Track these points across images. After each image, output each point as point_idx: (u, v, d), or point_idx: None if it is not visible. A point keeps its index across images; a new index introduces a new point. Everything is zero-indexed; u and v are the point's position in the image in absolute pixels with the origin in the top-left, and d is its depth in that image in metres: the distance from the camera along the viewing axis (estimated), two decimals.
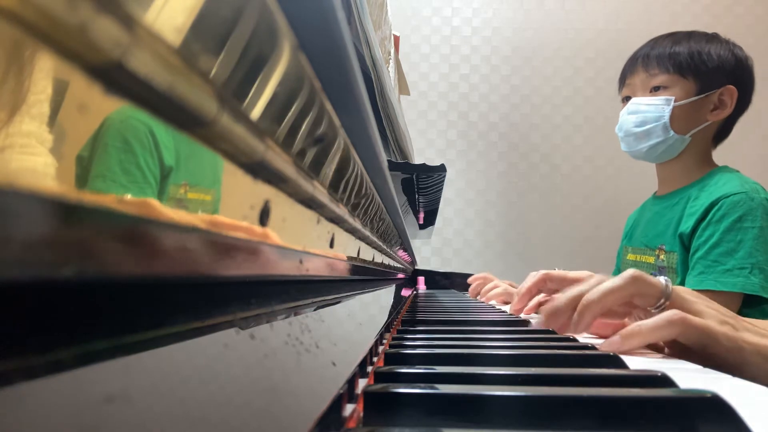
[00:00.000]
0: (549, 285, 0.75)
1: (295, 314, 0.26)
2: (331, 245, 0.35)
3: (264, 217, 0.21)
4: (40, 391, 0.09)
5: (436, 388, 0.25)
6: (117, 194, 0.12)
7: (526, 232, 2.09)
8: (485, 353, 0.38)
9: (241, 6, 0.15)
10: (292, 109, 0.21)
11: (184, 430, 0.13)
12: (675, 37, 1.20)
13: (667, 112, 1.16)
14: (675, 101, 1.16)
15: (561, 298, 0.56)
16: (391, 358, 0.37)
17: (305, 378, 0.22)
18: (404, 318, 0.69)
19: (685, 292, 0.53)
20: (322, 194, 0.28)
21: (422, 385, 0.26)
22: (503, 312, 0.85)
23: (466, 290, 1.42)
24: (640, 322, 0.47)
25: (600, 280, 0.55)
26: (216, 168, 0.17)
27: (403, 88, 1.32)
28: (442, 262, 2.07)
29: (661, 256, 1.18)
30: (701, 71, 1.16)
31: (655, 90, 1.19)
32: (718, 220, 1.08)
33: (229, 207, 0.18)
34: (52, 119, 0.09)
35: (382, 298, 0.68)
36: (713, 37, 1.19)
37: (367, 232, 0.49)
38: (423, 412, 0.24)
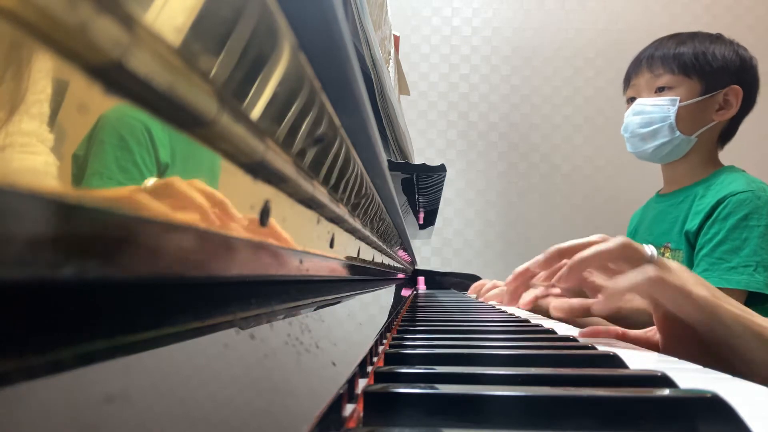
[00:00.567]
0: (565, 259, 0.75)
1: (295, 314, 0.26)
2: (331, 245, 0.35)
3: (264, 217, 0.21)
4: (40, 391, 0.09)
5: (436, 388, 0.25)
6: (115, 192, 0.12)
7: (526, 232, 2.09)
8: (485, 353, 0.38)
9: (241, 6, 0.15)
10: (292, 109, 0.21)
11: (184, 430, 0.13)
12: (679, 38, 1.20)
13: (672, 112, 1.16)
14: (680, 101, 1.16)
15: (564, 245, 0.60)
16: (391, 358, 0.37)
17: (305, 378, 0.22)
18: (404, 318, 0.69)
19: (670, 262, 0.56)
20: (322, 194, 0.28)
21: (422, 385, 0.26)
22: (503, 312, 0.85)
23: (466, 290, 1.42)
24: (619, 278, 0.50)
25: (601, 237, 0.58)
26: (213, 165, 0.17)
27: (403, 88, 1.32)
28: (442, 262, 2.07)
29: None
30: (706, 71, 1.16)
31: (660, 90, 1.19)
32: (724, 218, 1.08)
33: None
34: (52, 119, 0.09)
35: (382, 298, 0.68)
36: (717, 38, 1.19)
37: (367, 232, 0.49)
38: (423, 412, 0.24)
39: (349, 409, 0.24)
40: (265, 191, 0.21)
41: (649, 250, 0.55)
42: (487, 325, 0.61)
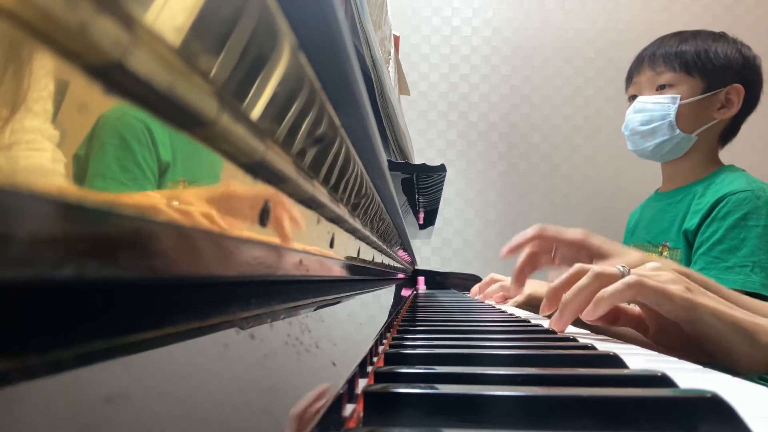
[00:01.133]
0: (543, 244, 0.84)
1: (295, 314, 0.26)
2: (331, 245, 0.35)
3: (264, 217, 0.21)
4: (40, 391, 0.09)
5: (436, 388, 0.25)
6: (117, 192, 0.12)
7: None
8: (485, 353, 0.38)
9: (241, 6, 0.15)
10: (292, 109, 0.21)
11: (184, 430, 0.13)
12: (681, 36, 1.20)
13: (673, 110, 1.16)
14: (681, 99, 1.16)
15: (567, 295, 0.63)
16: (391, 358, 0.37)
17: (305, 378, 0.22)
18: (404, 318, 0.69)
19: (645, 269, 0.60)
20: (322, 194, 0.28)
21: (422, 385, 0.26)
22: (503, 312, 0.85)
23: (466, 290, 1.42)
24: (603, 289, 0.55)
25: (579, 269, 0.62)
26: (214, 164, 0.17)
27: (403, 88, 1.32)
28: (442, 262, 2.07)
29: (665, 253, 1.19)
30: (708, 69, 1.15)
31: (662, 88, 1.19)
32: (722, 217, 1.08)
33: (229, 206, 0.18)
34: (52, 120, 0.09)
35: (382, 298, 0.68)
36: (720, 36, 1.19)
37: (367, 232, 0.49)
38: (423, 412, 0.24)
39: (349, 409, 0.24)
40: (265, 191, 0.21)
41: (619, 268, 0.59)
42: (487, 325, 0.61)
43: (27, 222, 0.09)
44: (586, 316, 0.56)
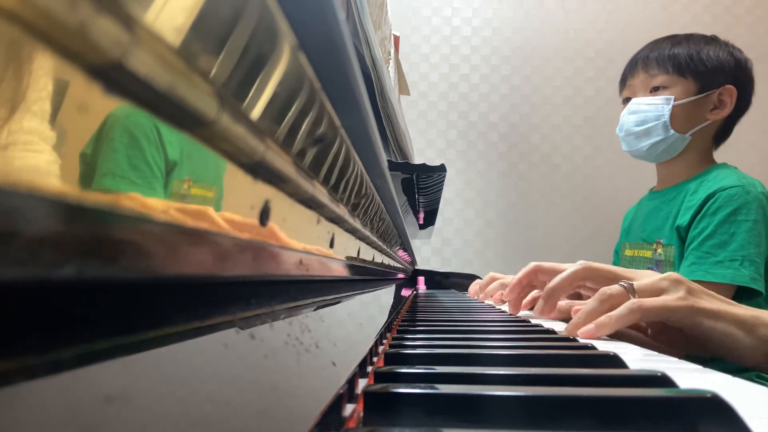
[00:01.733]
0: (540, 277, 0.83)
1: (295, 314, 0.26)
2: (331, 245, 0.35)
3: (264, 217, 0.21)
4: (40, 391, 0.09)
5: (436, 388, 0.25)
6: (127, 191, 0.12)
7: (526, 232, 2.09)
8: (485, 353, 0.38)
9: (241, 6, 0.15)
10: (292, 109, 0.21)
11: (184, 430, 0.13)
12: (674, 39, 1.22)
13: (666, 111, 1.18)
14: (675, 100, 1.18)
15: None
16: (391, 358, 0.37)
17: (305, 378, 0.22)
18: (404, 318, 0.69)
19: (644, 273, 0.64)
20: (322, 194, 0.28)
21: (422, 385, 0.26)
22: (503, 312, 0.85)
23: (466, 290, 1.42)
24: (609, 314, 0.58)
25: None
26: (218, 164, 0.17)
27: (403, 88, 1.32)
28: (442, 262, 2.07)
29: (659, 250, 1.20)
30: (700, 71, 1.17)
31: (655, 90, 1.21)
32: (713, 213, 1.09)
33: (230, 206, 0.18)
34: (52, 119, 0.09)
35: (382, 298, 0.68)
36: (712, 39, 1.21)
37: (367, 232, 0.49)
38: (423, 412, 0.24)
39: (349, 409, 0.24)
40: (265, 191, 0.21)
41: (624, 284, 0.62)
42: (487, 325, 0.61)
43: (27, 222, 0.09)
44: (586, 335, 0.59)
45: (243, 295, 0.21)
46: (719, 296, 0.61)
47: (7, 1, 0.08)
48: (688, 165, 1.23)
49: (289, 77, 0.19)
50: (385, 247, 0.69)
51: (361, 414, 0.25)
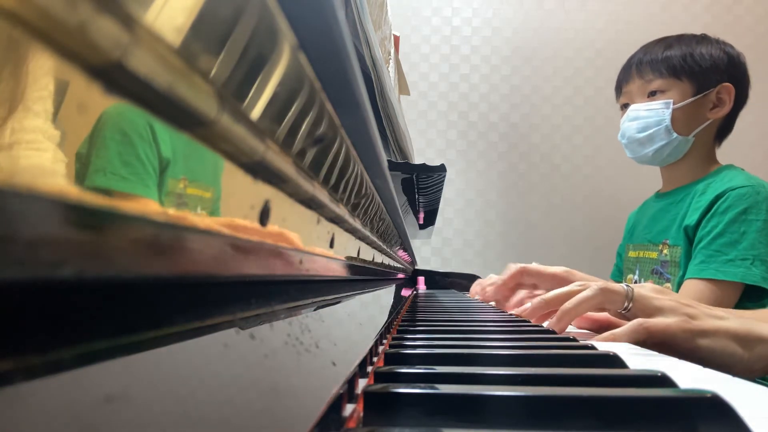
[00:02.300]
0: (526, 279, 0.85)
1: (295, 314, 0.26)
2: (331, 245, 0.35)
3: (264, 217, 0.21)
4: (40, 391, 0.09)
5: (436, 388, 0.25)
6: (118, 189, 0.12)
7: (526, 232, 2.09)
8: (485, 353, 0.38)
9: (241, 6, 0.15)
10: (292, 109, 0.21)
11: (184, 430, 0.13)
12: (666, 42, 1.22)
13: (667, 115, 1.18)
14: (674, 104, 1.17)
15: (549, 295, 0.70)
16: (391, 358, 0.37)
17: (305, 378, 0.22)
18: (404, 318, 0.69)
19: (646, 290, 0.67)
20: (322, 194, 0.28)
21: (422, 385, 0.26)
22: (503, 312, 0.85)
23: (466, 290, 1.42)
24: (614, 331, 0.62)
25: (581, 285, 0.69)
26: (216, 164, 0.17)
27: (403, 88, 1.32)
28: (442, 262, 2.07)
29: (665, 251, 1.19)
30: (695, 72, 1.17)
31: (652, 95, 1.21)
32: (723, 212, 1.09)
33: (229, 206, 0.18)
34: (52, 120, 0.09)
35: (382, 298, 0.68)
36: (703, 38, 1.21)
37: (367, 232, 0.49)
38: (423, 412, 0.24)
39: (349, 409, 0.24)
40: (265, 191, 0.21)
41: (625, 286, 0.66)
42: (487, 325, 0.61)
43: (27, 222, 0.09)
44: (580, 323, 0.62)
45: (243, 295, 0.21)
46: (713, 309, 0.64)
47: (7, 1, 0.08)
48: (693, 165, 1.23)
49: (289, 77, 0.19)
50: (385, 247, 0.69)
51: (361, 414, 0.25)
